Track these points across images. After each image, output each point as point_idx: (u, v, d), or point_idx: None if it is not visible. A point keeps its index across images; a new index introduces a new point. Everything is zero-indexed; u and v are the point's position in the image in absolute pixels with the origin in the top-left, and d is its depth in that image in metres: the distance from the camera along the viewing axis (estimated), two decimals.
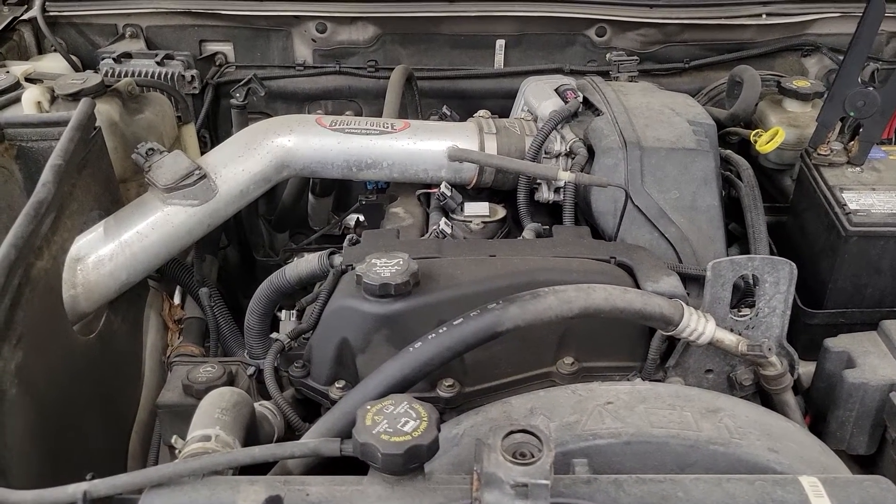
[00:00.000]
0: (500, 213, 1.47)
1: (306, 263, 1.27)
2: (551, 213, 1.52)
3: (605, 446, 0.95)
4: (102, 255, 1.30)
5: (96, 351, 1.31)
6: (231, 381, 1.28)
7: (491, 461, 0.81)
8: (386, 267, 1.12)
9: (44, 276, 1.14)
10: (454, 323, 0.99)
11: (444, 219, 1.40)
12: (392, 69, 1.88)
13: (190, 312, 1.61)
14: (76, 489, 0.86)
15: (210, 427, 0.96)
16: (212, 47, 1.92)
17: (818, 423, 1.26)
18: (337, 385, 1.16)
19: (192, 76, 1.82)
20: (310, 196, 1.86)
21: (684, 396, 1.02)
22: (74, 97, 1.49)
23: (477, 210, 1.45)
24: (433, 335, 0.99)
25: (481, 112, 1.58)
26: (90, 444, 1.26)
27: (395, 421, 0.87)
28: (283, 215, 1.84)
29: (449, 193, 1.45)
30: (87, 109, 1.32)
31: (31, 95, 1.51)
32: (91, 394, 1.28)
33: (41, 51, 1.86)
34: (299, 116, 1.51)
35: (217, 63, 1.92)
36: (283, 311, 1.33)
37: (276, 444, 1.01)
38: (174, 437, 0.98)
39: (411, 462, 0.85)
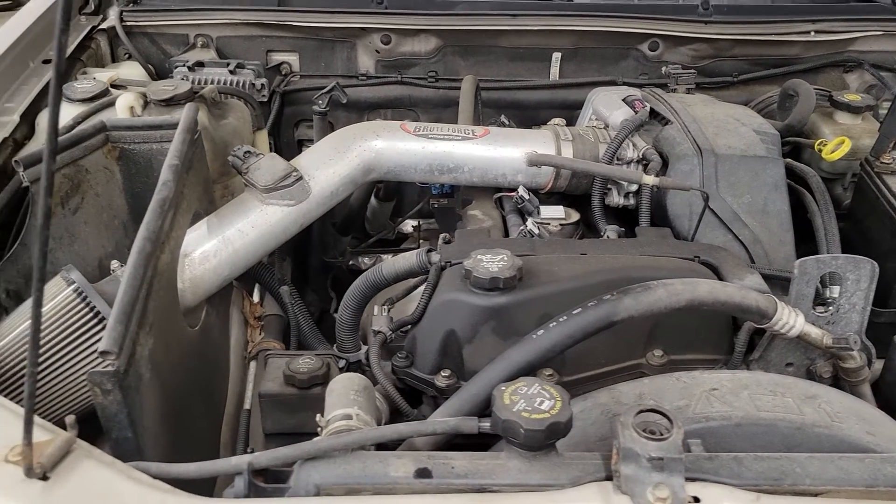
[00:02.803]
0: (574, 216, 1.54)
1: (404, 260, 1.33)
2: (620, 217, 1.59)
3: (717, 428, 1.01)
4: (207, 250, 1.36)
5: (199, 343, 1.36)
6: (328, 371, 1.35)
7: (626, 437, 0.88)
8: (492, 262, 1.19)
9: (166, 270, 1.20)
10: (573, 312, 1.06)
11: (531, 219, 1.47)
12: (451, 80, 1.97)
13: (269, 310, 1.67)
14: (240, 461, 0.92)
15: (348, 407, 1.02)
16: (278, 57, 1.99)
17: None
18: (443, 374, 1.22)
19: (262, 84, 1.89)
20: (372, 200, 1.93)
21: (783, 384, 1.09)
22: (167, 103, 1.55)
23: (553, 213, 1.52)
24: (553, 324, 1.06)
25: (556, 120, 1.66)
26: (195, 432, 1.31)
27: (532, 400, 0.93)
28: (349, 219, 1.90)
29: (527, 197, 1.52)
30: (192, 114, 1.39)
31: (125, 101, 1.57)
32: (196, 383, 1.33)
33: (114, 59, 1.92)
34: (384, 122, 1.58)
35: (283, 72, 1.99)
36: (376, 307, 1.39)
37: (418, 421, 1.07)
38: (317, 415, 1.03)
39: (550, 438, 0.91)
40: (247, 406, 1.47)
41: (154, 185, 1.47)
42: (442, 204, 1.71)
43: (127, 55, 1.91)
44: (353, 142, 1.49)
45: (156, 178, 1.47)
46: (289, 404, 1.31)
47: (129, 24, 1.88)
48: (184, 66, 1.84)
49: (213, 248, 1.37)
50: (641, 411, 0.92)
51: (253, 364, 1.58)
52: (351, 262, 1.99)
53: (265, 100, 1.90)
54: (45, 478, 0.87)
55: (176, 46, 1.94)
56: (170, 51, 1.93)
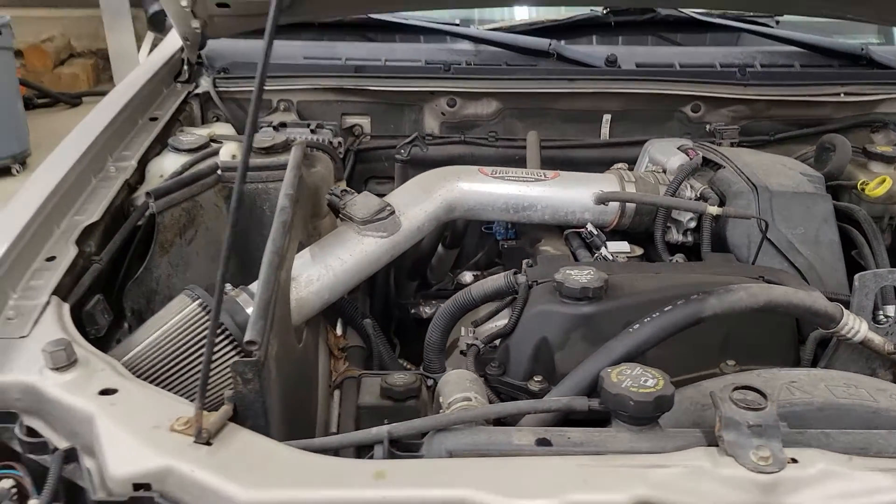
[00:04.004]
0: (639, 251, 1.68)
1: (492, 282, 1.46)
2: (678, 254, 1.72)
3: (800, 412, 1.11)
4: (311, 275, 1.49)
5: (301, 360, 1.48)
6: (421, 386, 1.45)
7: (726, 408, 0.99)
8: (580, 275, 1.32)
9: (284, 285, 1.33)
10: (664, 310, 1.18)
11: (604, 248, 1.61)
12: (510, 139, 2.14)
13: (351, 342, 1.78)
14: (379, 431, 1.03)
15: (467, 392, 1.13)
16: (351, 120, 2.17)
17: None
18: (535, 379, 1.32)
19: (339, 142, 2.06)
20: (439, 248, 2.07)
21: (854, 378, 1.20)
22: (266, 151, 1.72)
23: (620, 247, 1.66)
24: (648, 319, 1.18)
25: (618, 164, 1.81)
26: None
27: (637, 380, 1.04)
28: (419, 263, 2.04)
29: (596, 232, 1.66)
30: (300, 153, 1.55)
31: (228, 149, 1.74)
32: (297, 395, 1.44)
33: (204, 120, 2.11)
34: (465, 167, 1.73)
35: (355, 133, 2.17)
36: (463, 328, 1.51)
37: (535, 399, 1.18)
38: (441, 398, 1.14)
39: (658, 409, 1.02)
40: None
41: (256, 222, 1.63)
42: (511, 245, 1.85)
43: (215, 117, 2.10)
44: (438, 182, 1.65)
45: (258, 215, 1.63)
46: (386, 416, 1.41)
47: (220, 89, 2.08)
48: (269, 126, 2.02)
49: (316, 274, 1.50)
50: (737, 388, 1.03)
51: (337, 392, 1.68)
52: (413, 311, 2.11)
53: (341, 157, 2.06)
54: (209, 443, 0.98)
55: (261, 110, 2.12)
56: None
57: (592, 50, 2.22)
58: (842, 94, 2.09)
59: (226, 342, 1.32)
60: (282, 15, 1.90)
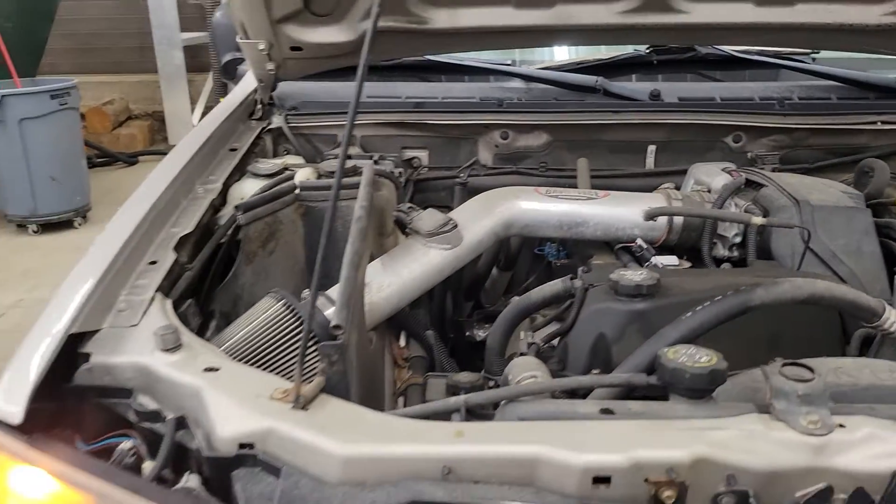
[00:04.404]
0: (686, 264, 1.77)
1: (550, 287, 1.57)
2: None
3: (846, 391, 1.19)
4: (382, 282, 1.62)
5: (372, 362, 1.59)
6: (483, 385, 1.55)
7: (776, 380, 1.08)
8: (634, 276, 1.42)
9: (360, 286, 1.46)
10: (715, 300, 1.28)
11: (653, 261, 1.71)
12: (559, 169, 2.27)
13: (413, 353, 1.89)
14: (457, 400, 1.13)
15: (534, 371, 1.23)
16: (410, 153, 2.32)
17: None
18: (594, 372, 1.42)
19: (400, 172, 2.20)
20: (494, 270, 2.19)
21: None
22: (334, 175, 1.87)
23: (668, 261, 1.76)
24: (700, 308, 1.27)
25: (665, 185, 1.93)
26: None
27: (692, 356, 1.14)
28: (475, 283, 2.15)
29: (645, 246, 1.76)
30: (371, 172, 1.70)
31: (303, 174, 1.89)
32: (368, 394, 1.55)
33: (275, 154, 2.28)
34: (522, 187, 1.86)
35: (414, 165, 2.32)
36: (522, 332, 1.61)
37: (596, 375, 1.27)
38: (510, 377, 1.25)
39: (712, 382, 1.11)
40: None
41: (329, 240, 1.76)
42: (563, 263, 1.96)
43: (286, 150, 2.27)
44: (497, 201, 1.78)
45: (331, 233, 1.76)
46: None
47: (290, 125, 2.25)
48: (335, 158, 2.18)
49: (386, 281, 1.62)
50: (785, 364, 1.11)
51: (401, 399, 1.78)
52: (467, 333, 2.22)
53: (402, 186, 2.21)
54: (305, 408, 1.10)
55: (326, 144, 2.29)
56: (321, 147, 2.28)
57: (637, 86, 2.36)
58: (878, 123, 2.18)
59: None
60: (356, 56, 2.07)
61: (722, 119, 2.20)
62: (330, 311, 1.48)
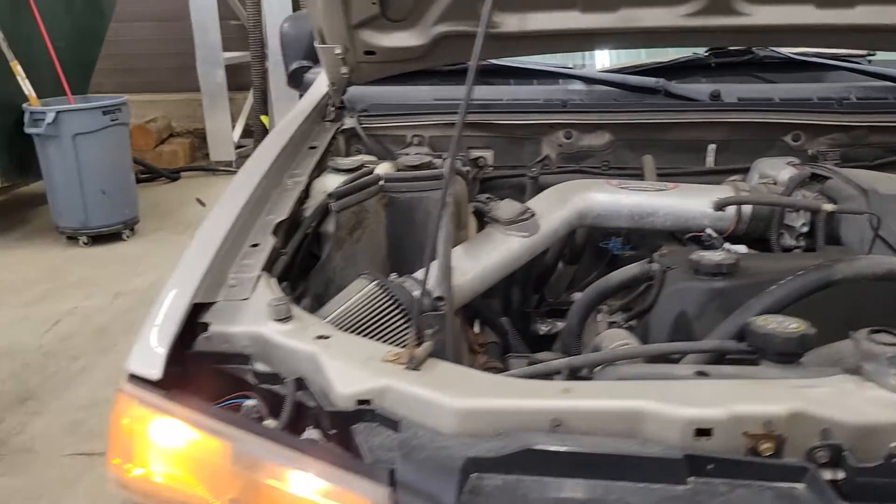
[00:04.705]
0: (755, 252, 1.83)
1: (628, 270, 1.64)
2: None
3: None
4: (465, 267, 1.70)
5: (457, 344, 1.67)
6: None
7: (864, 344, 1.14)
8: (714, 255, 1.49)
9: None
10: (798, 274, 1.34)
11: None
12: (621, 167, 2.34)
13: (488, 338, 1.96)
14: (559, 363, 1.20)
15: (626, 340, 1.30)
16: (476, 152, 2.41)
17: None
18: None
19: (467, 170, 2.29)
20: (559, 264, 2.26)
21: None
22: (414, 168, 1.96)
23: (737, 250, 1.81)
24: (784, 282, 1.33)
25: (733, 177, 1.99)
26: None
27: (781, 324, 1.20)
28: (544, 275, 2.22)
29: (715, 235, 1.83)
30: (453, 164, 1.78)
31: (383, 168, 1.99)
32: None
33: (348, 153, 2.38)
34: (594, 180, 1.94)
35: (479, 164, 2.40)
36: (599, 315, 1.68)
37: (687, 342, 1.34)
38: (601, 343, 1.32)
39: (803, 346, 1.17)
40: None
41: (410, 229, 1.85)
42: (629, 255, 2.03)
43: (357, 150, 2.36)
44: (572, 192, 1.86)
45: (412, 223, 1.85)
46: None
47: (363, 126, 2.35)
48: (410, 155, 2.26)
49: (469, 266, 1.70)
50: (873, 331, 1.17)
51: None
52: (531, 327, 2.28)
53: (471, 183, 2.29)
54: (417, 369, 1.17)
55: (395, 144, 2.38)
56: (391, 148, 2.38)
57: (697, 87, 2.43)
58: None
59: (400, 317, 1.52)
60: (427, 58, 2.15)
61: (781, 118, 2.26)
62: (418, 292, 1.56)
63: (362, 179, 1.79)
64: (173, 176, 8.02)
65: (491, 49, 2.29)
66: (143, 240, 6.19)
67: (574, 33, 2.10)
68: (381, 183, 1.82)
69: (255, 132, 8.29)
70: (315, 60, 2.81)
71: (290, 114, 2.33)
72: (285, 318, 1.30)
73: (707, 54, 2.56)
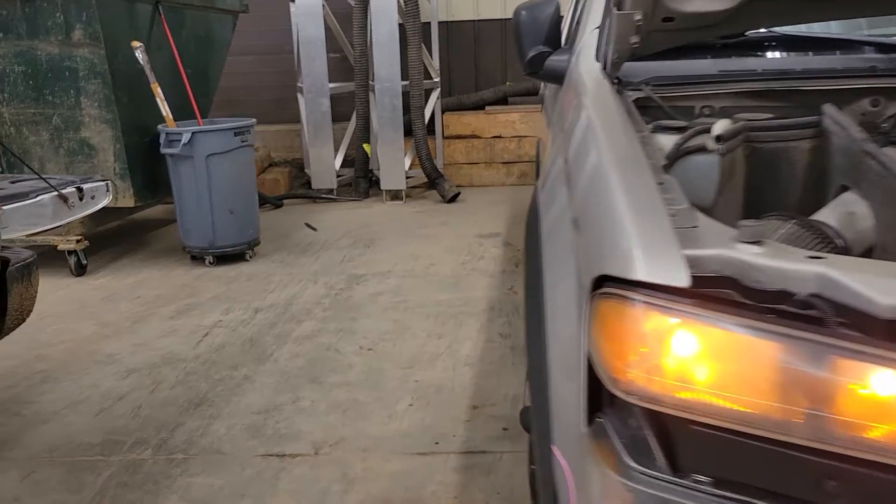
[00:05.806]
0: None
1: None
2: None
3: None
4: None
5: None
6: None
7: None
8: None
9: None
10: None
11: None
12: None
13: None
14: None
15: None
16: None
17: None
18: None
19: None
20: None
21: None
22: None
23: None
24: None
25: None
26: None
27: None
28: None
29: None
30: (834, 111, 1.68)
31: (721, 125, 1.88)
32: None
33: None
34: None
35: None
36: None
37: None
38: None
39: None
40: None
41: (772, 178, 1.74)
42: None
43: (646, 122, 2.27)
44: None
45: (774, 172, 1.74)
46: None
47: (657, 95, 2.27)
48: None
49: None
50: None
51: None
52: None
53: None
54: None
55: (683, 116, 2.29)
56: (678, 119, 2.28)
57: None
58: None
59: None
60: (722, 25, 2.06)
61: (859, 83, 2.11)
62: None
63: (737, 126, 1.69)
64: (278, 203, 8.09)
65: (796, 13, 2.20)
66: (266, 260, 6.20)
67: None
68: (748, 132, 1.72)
69: (357, 160, 8.33)
70: (553, 47, 2.75)
71: (589, 90, 2.22)
72: (755, 241, 1.18)
73: None
